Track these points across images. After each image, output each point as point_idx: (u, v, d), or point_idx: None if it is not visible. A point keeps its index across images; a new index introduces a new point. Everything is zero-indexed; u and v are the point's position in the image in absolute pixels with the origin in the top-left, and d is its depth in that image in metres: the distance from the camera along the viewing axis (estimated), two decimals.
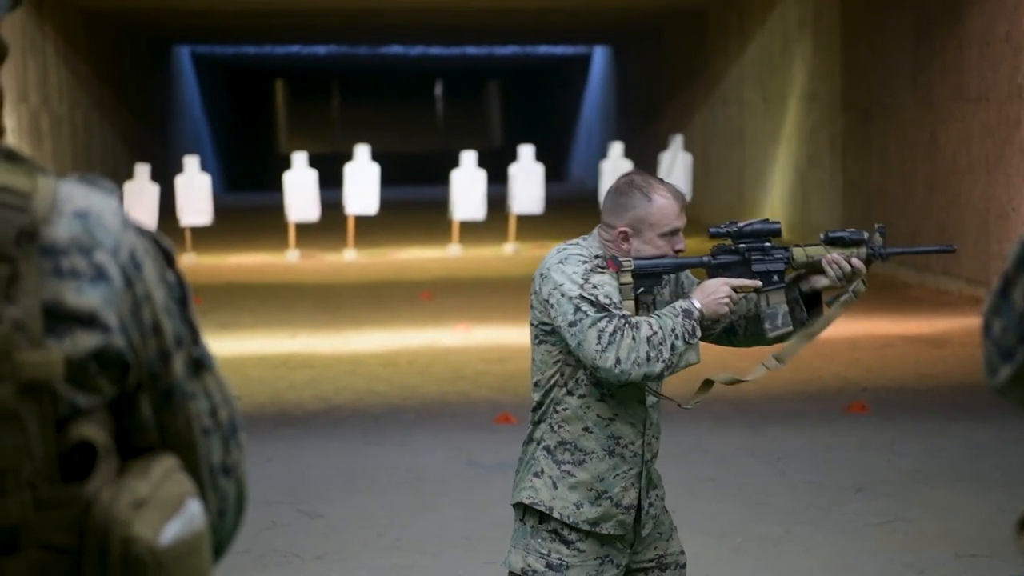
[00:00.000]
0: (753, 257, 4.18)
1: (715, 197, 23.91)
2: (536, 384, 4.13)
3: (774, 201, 21.92)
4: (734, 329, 4.28)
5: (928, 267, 16.22)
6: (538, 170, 21.28)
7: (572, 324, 3.96)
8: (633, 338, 3.92)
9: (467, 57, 40.42)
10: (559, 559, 4.09)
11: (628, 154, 22.13)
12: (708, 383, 4.28)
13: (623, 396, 4.08)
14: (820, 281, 4.20)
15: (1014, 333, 2.05)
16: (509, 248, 20.97)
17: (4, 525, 1.72)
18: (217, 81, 40.39)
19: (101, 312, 1.77)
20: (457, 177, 20.92)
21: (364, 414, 10.01)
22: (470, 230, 21.70)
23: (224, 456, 1.89)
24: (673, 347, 3.94)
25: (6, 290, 1.73)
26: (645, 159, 23.86)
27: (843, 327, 12.02)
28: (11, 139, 17.19)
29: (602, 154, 23.54)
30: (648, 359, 3.92)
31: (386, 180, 23.21)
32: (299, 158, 21.19)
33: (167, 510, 1.76)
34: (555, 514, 4.07)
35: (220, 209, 22.69)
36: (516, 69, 46.01)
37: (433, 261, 20.12)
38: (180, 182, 20.77)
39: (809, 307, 4.24)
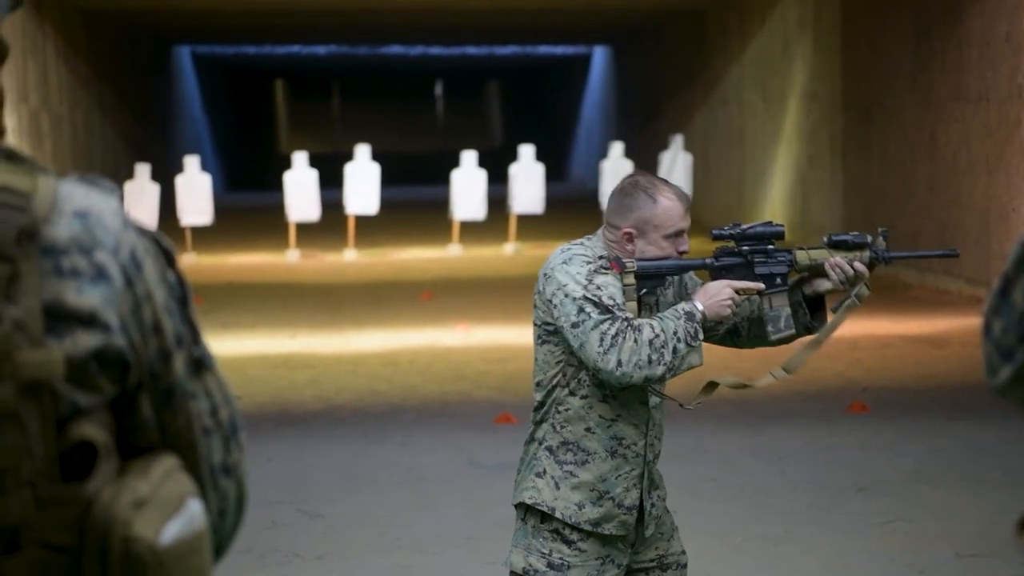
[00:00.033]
0: (756, 259, 4.18)
1: (715, 197, 23.91)
2: (538, 384, 4.13)
3: (774, 201, 21.92)
4: (737, 330, 4.28)
5: (929, 267, 16.22)
6: (538, 170, 21.28)
7: (575, 325, 3.96)
8: (635, 341, 3.92)
9: (467, 57, 40.42)
10: (560, 559, 4.09)
11: (628, 154, 22.13)
12: (712, 385, 4.28)
13: (626, 397, 4.08)
14: (823, 284, 4.20)
15: (1014, 333, 2.05)
16: (509, 248, 20.97)
17: (5, 524, 1.72)
18: (217, 81, 40.39)
19: (101, 312, 1.77)
20: (457, 177, 20.92)
21: (365, 414, 10.01)
22: (470, 230, 21.70)
23: (224, 456, 1.89)
24: (675, 350, 3.94)
25: (6, 290, 1.73)
26: (645, 159, 23.86)
27: (844, 327, 11.99)
28: (11, 139, 17.18)
29: (602, 154, 23.54)
30: (650, 362, 3.92)
31: (386, 180, 23.21)
32: (299, 158, 21.19)
33: (168, 510, 1.76)
34: (557, 514, 4.08)
35: (220, 209, 22.69)
36: (516, 69, 46.01)
37: (433, 261, 20.12)
38: (180, 182, 20.77)
39: (812, 310, 4.24)
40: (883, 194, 17.75)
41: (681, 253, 4.12)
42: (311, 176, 20.91)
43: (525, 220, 21.71)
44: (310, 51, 37.39)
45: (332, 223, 21.99)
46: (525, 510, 4.13)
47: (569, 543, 4.09)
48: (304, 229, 21.53)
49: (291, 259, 20.43)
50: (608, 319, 3.94)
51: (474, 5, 25.45)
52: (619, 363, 3.92)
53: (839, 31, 19.18)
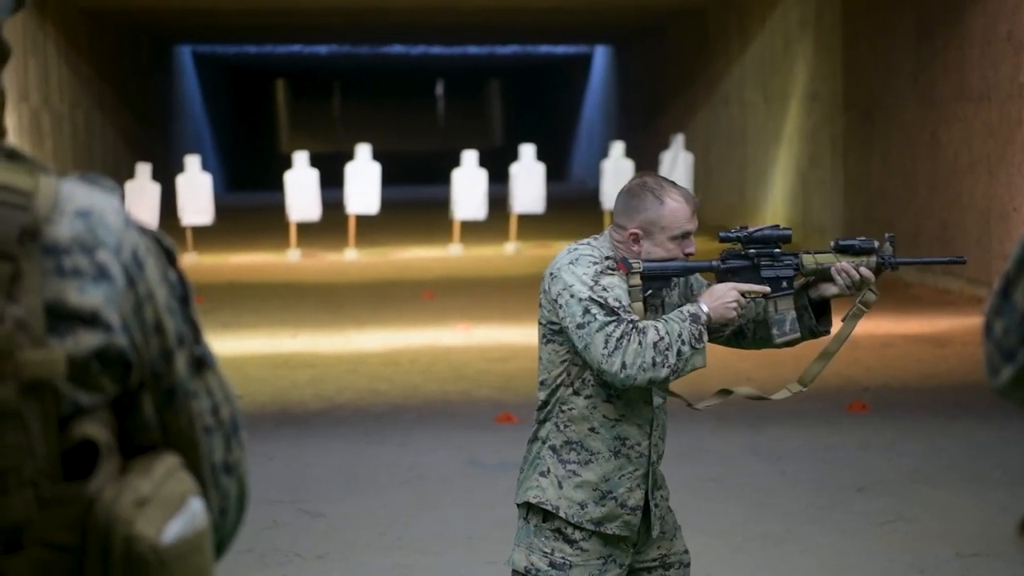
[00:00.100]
0: (762, 262, 4.18)
1: (716, 197, 23.91)
2: (542, 383, 4.13)
3: (775, 201, 21.92)
4: (743, 332, 4.28)
5: (929, 267, 16.22)
6: (539, 169, 21.28)
7: (580, 326, 3.96)
8: (640, 343, 3.92)
9: (468, 57, 40.42)
10: (562, 558, 4.09)
11: (629, 154, 22.13)
12: (726, 392, 4.28)
13: (630, 397, 4.09)
14: (829, 289, 4.20)
15: (1015, 334, 2.05)
16: (510, 247, 20.97)
17: (7, 524, 1.73)
18: (218, 80, 40.40)
19: (103, 311, 1.77)
20: (458, 176, 20.92)
21: (366, 413, 10.02)
22: (471, 229, 21.70)
23: (226, 454, 1.90)
24: (679, 352, 3.94)
25: (8, 289, 1.73)
26: (646, 159, 23.86)
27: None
28: (12, 138, 17.18)
29: (603, 153, 23.54)
30: (654, 364, 3.92)
31: (387, 180, 23.21)
32: (300, 157, 21.19)
33: (169, 508, 1.76)
34: (561, 513, 4.08)
35: (221, 208, 22.69)
36: (517, 68, 46.01)
37: (434, 260, 20.12)
38: (181, 181, 20.77)
39: (817, 314, 4.24)
40: (884, 194, 17.75)
41: (687, 255, 4.12)
42: (312, 176, 20.91)
43: (526, 220, 21.72)
44: (311, 51, 37.40)
45: (333, 223, 21.99)
46: (528, 509, 4.14)
47: (571, 542, 4.10)
48: (305, 229, 21.53)
49: (292, 259, 20.43)
50: (613, 321, 3.94)
51: (475, 4, 25.45)
52: (623, 365, 3.92)
53: (840, 31, 19.18)
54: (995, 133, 14.60)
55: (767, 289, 4.17)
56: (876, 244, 4.22)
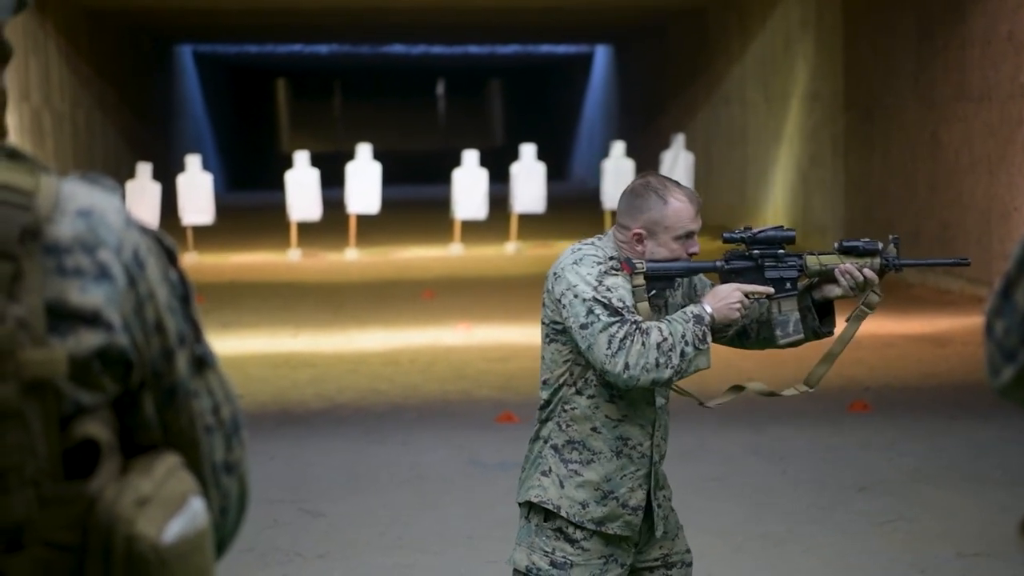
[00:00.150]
0: (766, 263, 4.19)
1: (717, 196, 23.91)
2: (545, 382, 4.13)
3: (776, 200, 21.92)
4: (746, 332, 4.28)
5: (930, 267, 16.19)
6: (540, 169, 21.28)
7: (584, 327, 3.96)
8: (643, 344, 3.92)
9: (469, 56, 40.42)
10: (563, 557, 4.09)
11: (630, 153, 22.13)
12: (738, 388, 4.29)
13: (632, 398, 4.09)
14: (833, 291, 4.20)
15: (1016, 334, 2.05)
16: (511, 247, 20.97)
17: (8, 523, 1.73)
18: (219, 80, 40.40)
19: (104, 311, 1.77)
20: (459, 176, 20.92)
21: (366, 413, 10.02)
22: (472, 229, 21.70)
23: (226, 454, 1.90)
24: (683, 353, 3.94)
25: (9, 288, 1.73)
26: (647, 158, 23.86)
27: (840, 326, 11.99)
28: (13, 138, 17.18)
29: (604, 153, 23.54)
30: (657, 365, 3.92)
31: (388, 179, 23.22)
32: (301, 157, 21.19)
33: (170, 508, 1.76)
34: (562, 513, 4.08)
35: (222, 208, 22.70)
36: (518, 68, 46.01)
37: (435, 260, 20.12)
38: (182, 181, 20.77)
39: (821, 315, 4.24)
40: (885, 193, 17.75)
41: (691, 255, 4.12)
42: (312, 175, 20.91)
43: (526, 219, 21.72)
44: (312, 50, 37.40)
45: (333, 222, 22.00)
46: (529, 508, 4.14)
47: (572, 541, 4.10)
48: (305, 228, 21.53)
49: (292, 258, 20.43)
50: (617, 321, 3.94)
51: (476, 4, 25.45)
52: (626, 366, 3.92)
53: (841, 30, 19.18)
54: (996, 133, 14.60)
55: (771, 290, 4.17)
56: (880, 246, 4.22)
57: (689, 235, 4.11)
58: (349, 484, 8.12)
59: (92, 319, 1.76)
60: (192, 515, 1.78)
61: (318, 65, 43.14)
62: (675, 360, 3.93)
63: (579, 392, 4.09)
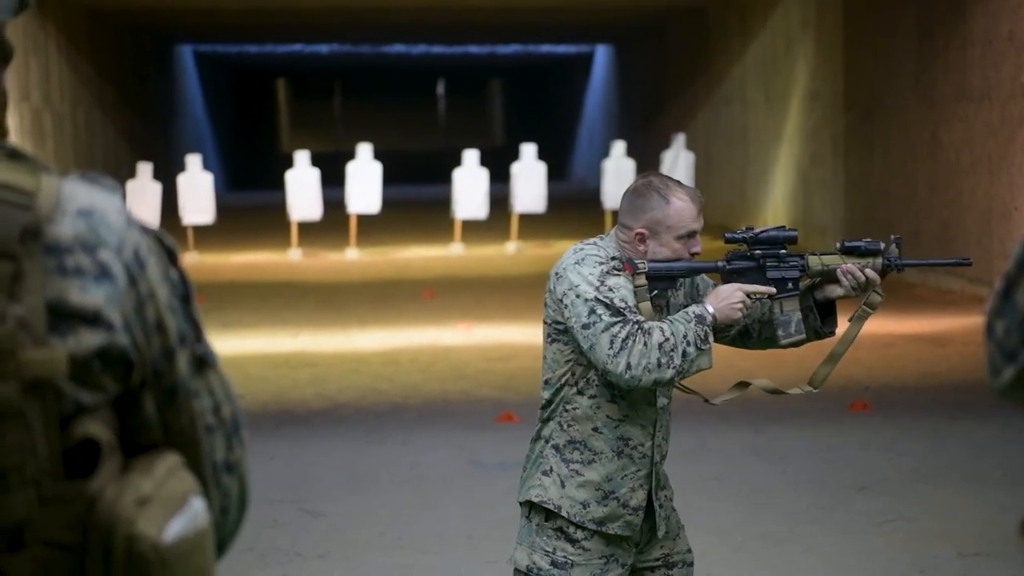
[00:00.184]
0: (768, 263, 4.19)
1: (717, 196, 23.91)
2: (547, 382, 4.13)
3: (776, 200, 21.92)
4: (748, 332, 4.28)
5: (931, 266, 16.19)
6: (540, 169, 21.28)
7: (586, 327, 3.96)
8: (645, 344, 3.92)
9: (469, 56, 40.42)
10: (564, 557, 4.09)
11: (630, 153, 22.13)
12: (744, 384, 4.29)
13: (634, 398, 4.09)
14: (835, 291, 4.21)
15: (1017, 334, 2.05)
16: (511, 247, 20.97)
17: (9, 522, 1.73)
18: (219, 80, 40.40)
19: (105, 310, 1.77)
20: (459, 176, 20.92)
21: (366, 413, 10.02)
22: (472, 229, 21.70)
23: (227, 453, 1.90)
24: (685, 353, 3.94)
25: (10, 288, 1.73)
26: (647, 158, 23.87)
27: (843, 326, 12.00)
28: (13, 138, 17.18)
29: (604, 153, 23.54)
30: (659, 365, 3.92)
31: (388, 179, 23.22)
32: (301, 157, 21.20)
33: (171, 507, 1.76)
34: (563, 512, 4.08)
35: (222, 208, 22.70)
36: (518, 68, 46.01)
37: (435, 260, 20.12)
38: (182, 181, 20.77)
39: (823, 315, 4.24)
40: (885, 193, 17.75)
41: (693, 254, 4.12)
42: (313, 175, 20.92)
43: (527, 219, 21.72)
44: (312, 50, 37.40)
45: (334, 222, 22.00)
46: (530, 508, 4.14)
47: (573, 541, 4.10)
48: (306, 228, 21.53)
49: (293, 258, 20.43)
50: (619, 322, 3.94)
51: (476, 4, 25.46)
52: (628, 366, 3.92)
53: (841, 30, 19.18)
54: (996, 133, 14.60)
55: (773, 290, 4.17)
56: (882, 246, 4.22)
57: (691, 234, 4.11)
58: (349, 484, 8.12)
59: (93, 319, 1.76)
60: (193, 515, 1.78)
61: (318, 65, 43.14)
62: (677, 360, 3.93)
63: (581, 392, 4.09)
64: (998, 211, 14.52)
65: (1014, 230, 13.99)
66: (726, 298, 4.07)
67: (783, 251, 4.20)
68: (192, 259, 19.81)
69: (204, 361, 1.88)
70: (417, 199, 31.03)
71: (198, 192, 20.64)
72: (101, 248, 1.78)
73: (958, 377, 10.86)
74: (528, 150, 21.38)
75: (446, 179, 22.51)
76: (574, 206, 26.39)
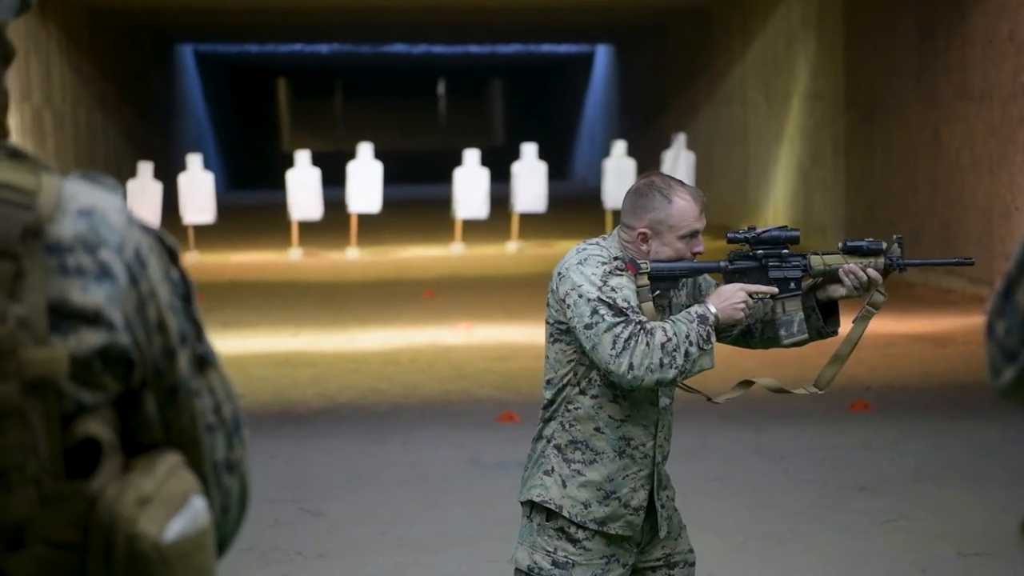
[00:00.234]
0: (770, 263, 4.19)
1: (718, 196, 23.91)
2: (549, 382, 4.13)
3: (777, 200, 21.92)
4: (750, 332, 4.28)
5: (932, 266, 16.18)
6: (541, 168, 21.28)
7: (588, 327, 3.96)
8: (647, 344, 3.92)
9: (470, 55, 40.42)
10: (565, 557, 4.09)
11: (631, 153, 22.13)
12: (747, 383, 4.29)
13: (636, 398, 4.09)
14: (837, 291, 4.21)
15: (1017, 335, 2.05)
16: (512, 246, 20.97)
17: (9, 522, 1.73)
18: (220, 79, 40.40)
19: (106, 310, 1.77)
20: (460, 175, 20.92)
21: (367, 412, 10.02)
22: (473, 228, 21.70)
23: (228, 452, 1.90)
24: (687, 353, 3.94)
25: (11, 288, 1.73)
26: (648, 158, 23.87)
27: (845, 326, 12.00)
28: (14, 138, 17.16)
29: (605, 152, 23.54)
30: (661, 365, 3.92)
31: (389, 178, 23.22)
32: (302, 156, 21.20)
33: (171, 507, 1.76)
34: (564, 512, 4.08)
35: (223, 207, 22.70)
36: (519, 67, 46.01)
37: (436, 259, 20.13)
38: (183, 180, 20.77)
39: (825, 315, 4.24)
40: (886, 193, 17.75)
41: (696, 254, 4.12)
42: (314, 174, 20.92)
43: (527, 219, 21.72)
44: (313, 50, 37.40)
45: (334, 221, 22.00)
46: (531, 507, 4.14)
47: (574, 541, 4.10)
48: (306, 227, 21.53)
49: (293, 257, 20.43)
50: (622, 322, 3.94)
51: (477, 3, 25.46)
52: (631, 366, 3.92)
53: (842, 30, 19.18)
54: (997, 133, 14.60)
55: (775, 290, 4.17)
56: (884, 245, 4.22)
57: (694, 234, 4.11)
58: (350, 483, 8.12)
59: (93, 318, 1.76)
60: (193, 514, 1.78)
61: (319, 64, 43.15)
62: (679, 360, 3.93)
63: (583, 392, 4.09)
64: (999, 211, 14.52)
65: (1015, 230, 13.99)
66: (728, 298, 4.07)
67: (785, 251, 4.20)
68: (193, 259, 19.81)
69: (205, 360, 1.88)
70: (418, 199, 31.03)
71: (199, 192, 20.64)
72: (102, 248, 1.78)
73: (959, 377, 10.86)
74: (529, 150, 21.38)
75: (447, 179, 22.51)
76: (575, 206, 26.39)
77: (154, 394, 1.83)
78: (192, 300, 1.88)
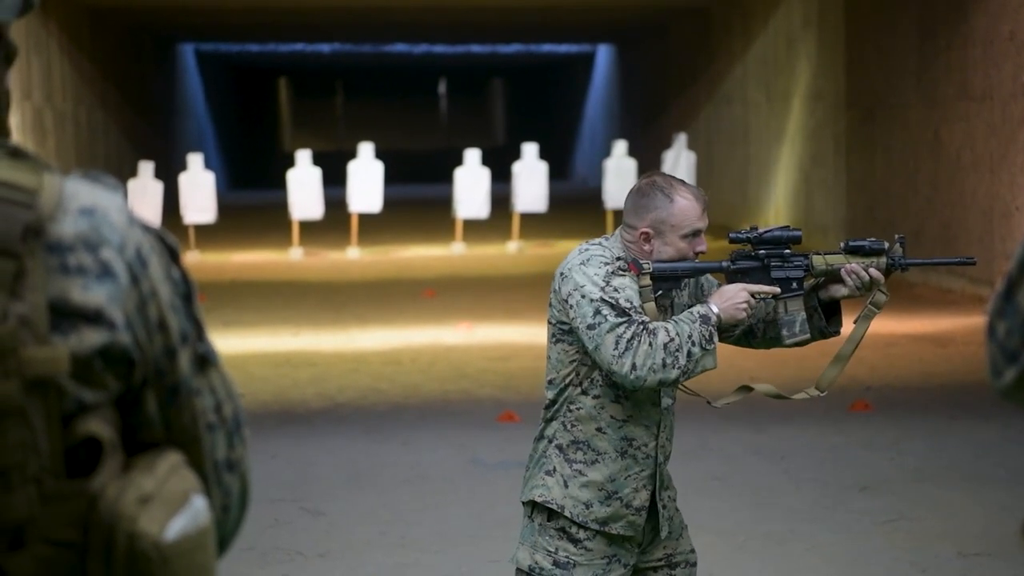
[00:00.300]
0: (772, 263, 4.19)
1: (719, 196, 23.90)
2: (550, 382, 4.13)
3: (778, 200, 21.92)
4: (752, 332, 4.28)
5: (932, 266, 16.18)
6: (542, 168, 21.28)
7: (591, 327, 3.96)
8: (650, 344, 3.92)
9: (471, 55, 40.42)
10: (566, 557, 4.09)
11: (632, 152, 22.13)
12: (746, 388, 4.29)
13: (638, 398, 4.08)
14: (839, 291, 4.21)
15: (1018, 335, 2.05)
16: (512, 246, 20.98)
17: (10, 521, 1.73)
18: (221, 79, 40.40)
19: (107, 309, 1.77)
20: (461, 175, 20.92)
21: (367, 412, 10.02)
22: (473, 228, 21.70)
23: (228, 452, 1.90)
24: (690, 353, 3.94)
25: (12, 286, 1.73)
26: (649, 158, 23.87)
27: (847, 326, 11.99)
28: (15, 136, 17.17)
29: (606, 152, 23.55)
30: (664, 365, 3.92)
31: (390, 178, 23.22)
32: (303, 156, 21.20)
33: (172, 506, 1.76)
34: (566, 512, 4.08)
35: (224, 207, 22.70)
36: (520, 67, 46.01)
37: (436, 259, 20.13)
38: (184, 180, 20.78)
39: (827, 315, 4.24)
40: (887, 193, 17.75)
41: (698, 253, 4.12)
42: (314, 174, 20.92)
43: (528, 218, 21.72)
44: (314, 49, 37.40)
45: (335, 221, 22.00)
46: (532, 507, 4.14)
47: (575, 541, 4.10)
48: (307, 227, 21.54)
49: (294, 257, 20.43)
50: (624, 322, 3.94)
51: (478, 3, 25.46)
52: (634, 366, 3.92)
53: (843, 30, 19.18)
54: (997, 132, 14.60)
55: (777, 290, 4.17)
56: (886, 245, 4.22)
57: (696, 233, 4.11)
58: (350, 483, 8.12)
59: (94, 317, 1.76)
60: (194, 513, 1.78)
61: (320, 64, 43.15)
62: (682, 360, 3.93)
63: (585, 392, 4.09)
64: (999, 211, 14.52)
65: (1015, 230, 13.99)
66: (730, 298, 4.07)
67: (787, 251, 4.20)
68: (193, 258, 19.82)
69: (206, 360, 1.88)
70: (418, 198, 31.03)
71: (199, 191, 20.64)
72: (103, 247, 1.78)
73: (959, 377, 10.86)
74: (529, 149, 21.38)
75: (447, 178, 22.51)
76: (575, 206, 26.39)
77: (155, 393, 1.83)
78: (193, 299, 1.88)
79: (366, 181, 20.91)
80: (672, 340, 3.93)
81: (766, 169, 22.52)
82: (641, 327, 3.94)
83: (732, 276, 4.18)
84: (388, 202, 22.12)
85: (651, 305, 4.02)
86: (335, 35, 33.58)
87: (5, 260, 1.73)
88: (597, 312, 3.96)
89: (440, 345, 12.74)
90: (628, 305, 3.96)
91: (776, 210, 21.76)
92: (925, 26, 16.43)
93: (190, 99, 35.10)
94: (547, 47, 38.01)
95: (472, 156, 21.04)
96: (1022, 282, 2.05)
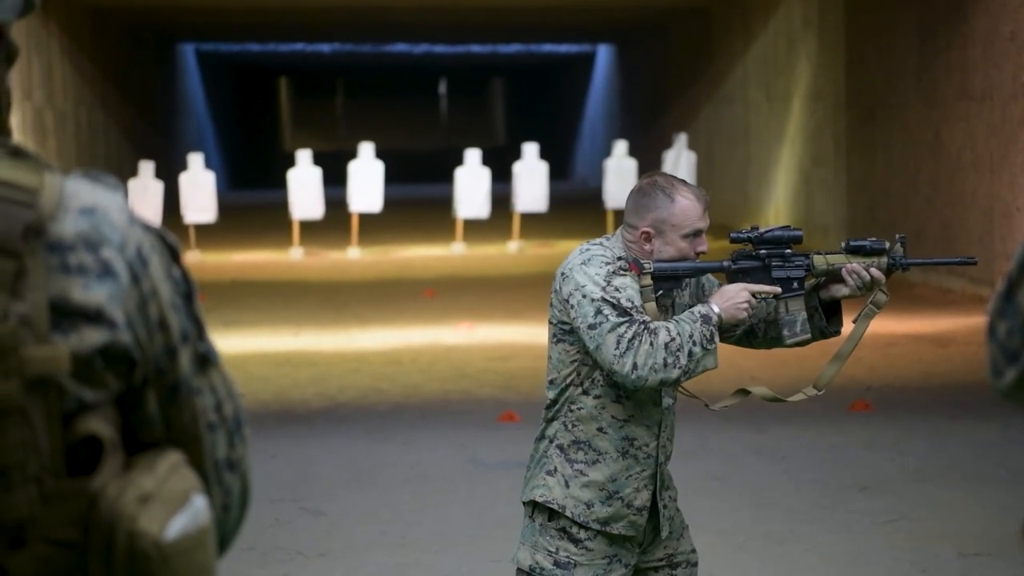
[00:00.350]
0: (773, 263, 4.19)
1: (719, 196, 23.90)
2: (551, 382, 4.13)
3: (778, 200, 21.92)
4: (753, 332, 4.28)
5: (933, 266, 16.19)
6: (542, 168, 21.28)
7: (592, 327, 3.96)
8: (651, 344, 3.92)
9: (471, 55, 40.43)
10: (567, 557, 4.09)
11: (632, 152, 22.13)
12: (743, 392, 4.29)
13: (639, 398, 4.09)
14: (840, 290, 4.21)
15: (1019, 336, 2.05)
16: (513, 246, 20.98)
17: (11, 520, 1.73)
18: (221, 79, 40.40)
19: (108, 308, 1.77)
20: (461, 175, 20.93)
21: (368, 412, 10.02)
22: (474, 228, 21.70)
23: (229, 451, 1.90)
24: (691, 353, 3.94)
25: (12, 286, 1.73)
26: (649, 158, 23.87)
27: (848, 326, 11.99)
28: (16, 136, 17.15)
29: (606, 152, 23.55)
30: (665, 365, 3.92)
31: (390, 178, 23.22)
32: (303, 156, 21.20)
33: (172, 505, 1.76)
34: (567, 512, 4.08)
35: (224, 207, 22.70)
36: (520, 67, 46.02)
37: (437, 259, 20.13)
38: (184, 179, 20.78)
39: (828, 315, 4.25)
40: (887, 193, 17.75)
41: (699, 253, 4.12)
42: (315, 174, 20.92)
43: (528, 218, 21.72)
44: (314, 49, 37.41)
45: (336, 221, 22.00)
46: (533, 507, 4.14)
47: (576, 541, 4.10)
48: (308, 227, 21.54)
49: (294, 257, 20.43)
50: (625, 322, 3.94)
51: (478, 3, 25.46)
52: (635, 366, 3.92)
53: (843, 30, 19.18)
54: (998, 132, 14.60)
55: (778, 290, 4.17)
56: (887, 245, 4.22)
57: (697, 233, 4.11)
58: (350, 483, 8.12)
59: (95, 316, 1.76)
60: (194, 512, 1.78)
61: (320, 64, 43.15)
62: (683, 360, 3.93)
63: (586, 392, 4.09)
64: (999, 211, 14.52)
65: (1015, 230, 13.99)
66: (731, 298, 4.07)
67: (788, 251, 4.20)
68: (194, 258, 19.82)
69: (206, 359, 1.88)
70: (419, 198, 31.03)
71: (200, 191, 20.64)
72: (104, 246, 1.78)
73: (960, 377, 10.86)
74: (530, 149, 21.38)
75: (448, 178, 22.51)
76: (576, 206, 26.39)
77: (155, 392, 1.83)
78: (193, 299, 1.88)
79: (366, 181, 20.91)
80: (673, 340, 3.94)
81: (766, 169, 22.52)
82: (642, 327, 3.94)
83: (733, 276, 4.18)
84: (388, 202, 22.12)
85: (652, 305, 4.03)
86: (335, 35, 33.59)
87: (6, 259, 1.73)
88: (598, 312, 3.96)
89: (440, 345, 12.74)
90: (629, 305, 3.96)
91: (776, 210, 21.76)
92: (925, 26, 16.43)
93: (190, 99, 35.10)
94: (547, 47, 38.01)
95: (472, 156, 21.04)
96: (1022, 282, 2.05)
